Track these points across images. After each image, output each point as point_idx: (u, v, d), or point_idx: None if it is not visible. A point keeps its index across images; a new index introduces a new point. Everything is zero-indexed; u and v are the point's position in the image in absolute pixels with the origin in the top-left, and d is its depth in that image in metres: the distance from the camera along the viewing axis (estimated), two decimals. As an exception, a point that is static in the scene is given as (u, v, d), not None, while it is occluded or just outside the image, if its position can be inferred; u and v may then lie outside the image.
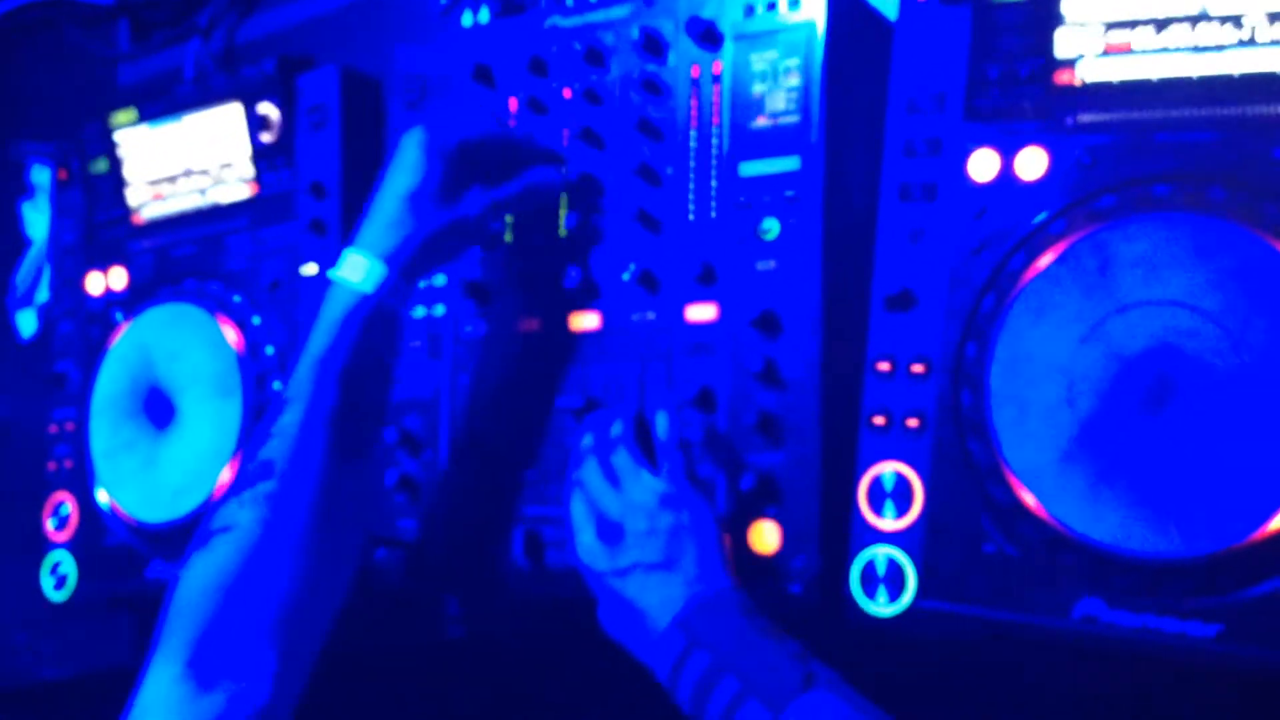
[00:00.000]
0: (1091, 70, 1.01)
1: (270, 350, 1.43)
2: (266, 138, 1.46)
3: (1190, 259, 0.94)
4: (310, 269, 1.41)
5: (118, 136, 1.57)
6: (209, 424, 1.45)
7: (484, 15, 1.34)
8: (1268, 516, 0.89)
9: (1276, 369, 0.90)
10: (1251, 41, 0.95)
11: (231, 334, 1.44)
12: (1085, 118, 1.01)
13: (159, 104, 1.54)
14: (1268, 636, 0.90)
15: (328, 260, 1.39)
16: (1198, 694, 0.98)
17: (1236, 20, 0.96)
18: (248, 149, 1.47)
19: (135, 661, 1.50)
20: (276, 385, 1.42)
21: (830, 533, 1.09)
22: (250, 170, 1.48)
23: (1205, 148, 0.96)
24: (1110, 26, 1.00)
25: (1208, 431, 0.92)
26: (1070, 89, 1.01)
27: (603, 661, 1.36)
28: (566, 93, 1.25)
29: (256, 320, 1.45)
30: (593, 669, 1.40)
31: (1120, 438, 0.95)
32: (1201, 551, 0.91)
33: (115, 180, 1.58)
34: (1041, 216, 1.02)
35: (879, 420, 1.07)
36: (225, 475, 1.42)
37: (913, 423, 1.05)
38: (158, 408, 1.48)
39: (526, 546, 1.23)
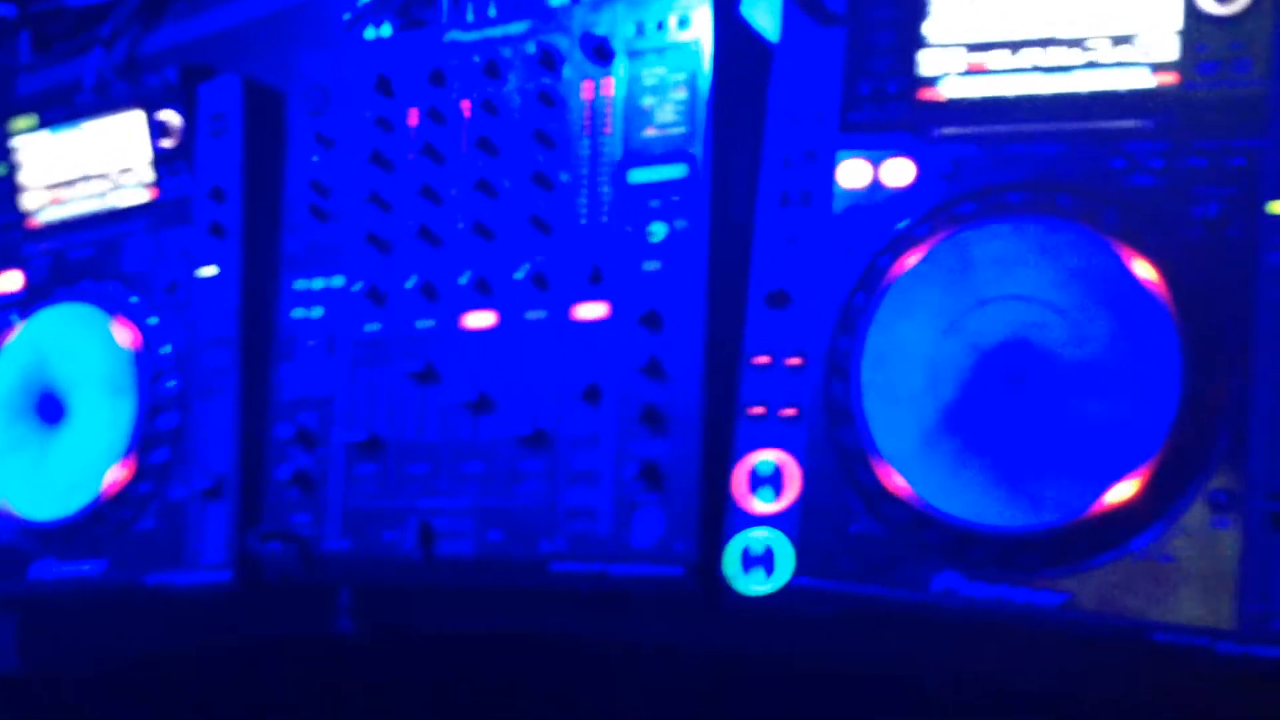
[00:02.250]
0: (953, 88, 1.10)
1: (166, 350, 1.46)
2: (167, 144, 1.49)
3: (1039, 258, 1.02)
4: (208, 271, 1.44)
5: (16, 142, 1.59)
6: (101, 422, 1.46)
7: (386, 29, 1.40)
8: (1103, 491, 0.98)
9: (1113, 359, 0.99)
10: (1094, 64, 1.05)
11: (127, 334, 1.46)
12: (947, 131, 1.10)
13: (60, 110, 1.56)
14: (1108, 603, 0.98)
15: (226, 263, 1.43)
16: (1047, 661, 1.05)
17: (1082, 44, 1.05)
18: (148, 154, 1.50)
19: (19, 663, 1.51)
20: (170, 384, 1.44)
21: (710, 518, 1.15)
22: (150, 175, 1.51)
23: (1054, 158, 1.05)
24: (970, 48, 1.09)
25: (1054, 416, 1.00)
26: (934, 105, 1.10)
27: (494, 652, 1.41)
28: (465, 104, 1.31)
29: (153, 320, 1.47)
30: (484, 659, 1.44)
31: (978, 422, 1.03)
32: (1047, 525, 0.99)
33: (11, 185, 1.60)
34: (906, 221, 1.10)
35: (756, 411, 1.13)
36: (115, 473, 1.43)
37: (788, 412, 1.12)
38: (49, 407, 1.50)
39: (419, 537, 1.27)
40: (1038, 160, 1.06)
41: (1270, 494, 0.94)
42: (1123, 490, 0.98)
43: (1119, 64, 1.04)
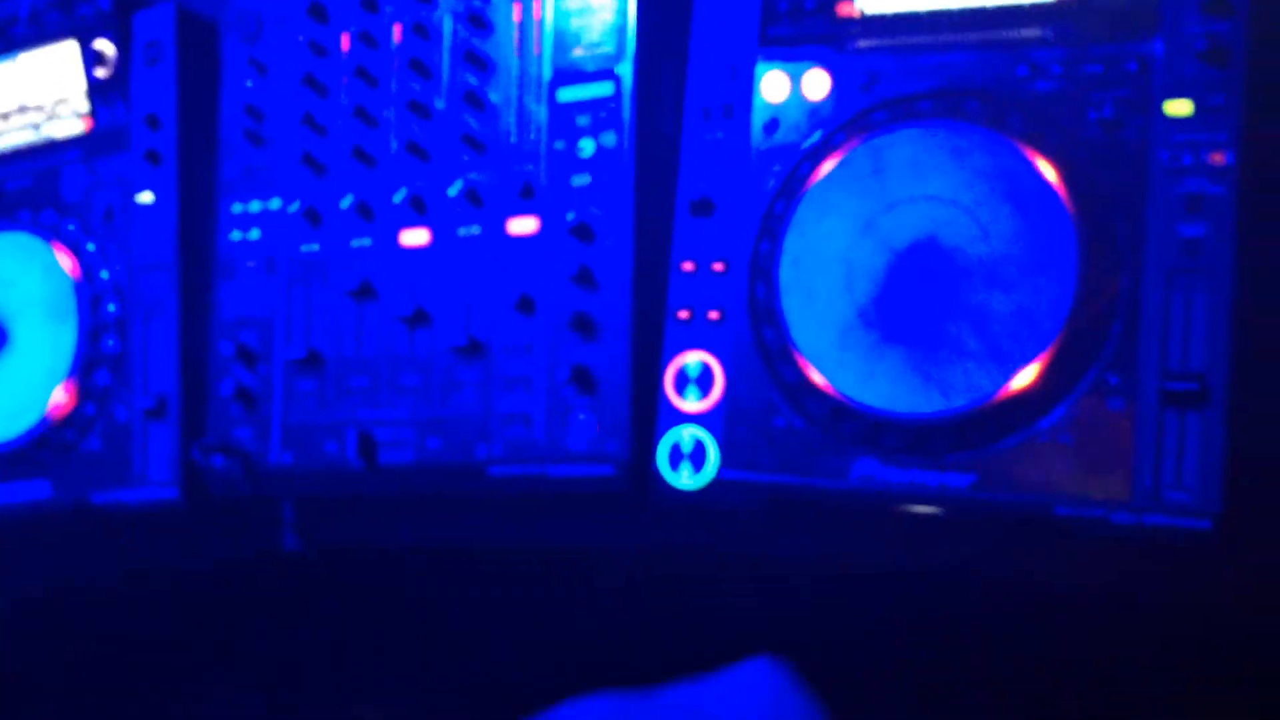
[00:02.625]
0: (868, 2, 1.15)
1: (105, 275, 1.48)
2: (102, 73, 1.51)
3: (947, 161, 1.08)
4: (145, 197, 1.47)
5: (-52, 73, 1.60)
6: (44, 347, 1.49)
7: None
8: (1007, 378, 1.04)
9: (1015, 254, 1.05)
10: (998, -24, 1.11)
11: (67, 260, 1.48)
12: (863, 44, 1.15)
13: (-7, 42, 1.58)
14: (1014, 483, 1.05)
15: (162, 189, 1.46)
16: (960, 543, 1.12)
17: (985, -42, 1.11)
18: (83, 85, 1.52)
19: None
20: (111, 308, 1.47)
21: (641, 418, 1.20)
22: (85, 105, 1.52)
23: (963, 67, 1.11)
24: (882, -37, 1.15)
25: (961, 308, 1.06)
26: (850, 19, 1.15)
27: (437, 563, 1.46)
28: (397, 27, 1.34)
29: (91, 247, 1.50)
30: (426, 571, 1.49)
31: (891, 317, 1.09)
32: (956, 410, 1.06)
33: (-56, 118, 1.61)
34: (822, 132, 1.15)
35: (683, 314, 1.19)
36: (59, 396, 1.46)
37: (713, 315, 1.18)
38: (-9, 332, 1.52)
39: (360, 447, 1.31)
40: (948, 69, 1.12)
41: (1162, 375, 1.01)
42: (1025, 376, 1.04)
43: (1022, -23, 1.10)
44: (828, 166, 1.13)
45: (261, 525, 1.45)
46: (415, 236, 1.32)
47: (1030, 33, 1.09)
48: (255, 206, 1.40)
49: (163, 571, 1.50)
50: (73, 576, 1.55)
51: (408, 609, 1.54)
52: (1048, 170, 1.05)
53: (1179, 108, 1.02)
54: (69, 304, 1.48)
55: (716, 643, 1.12)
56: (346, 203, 1.34)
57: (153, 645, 1.55)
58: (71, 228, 1.51)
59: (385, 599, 1.54)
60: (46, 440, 1.48)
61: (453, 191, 1.29)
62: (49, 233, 1.51)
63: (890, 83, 1.14)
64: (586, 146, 1.24)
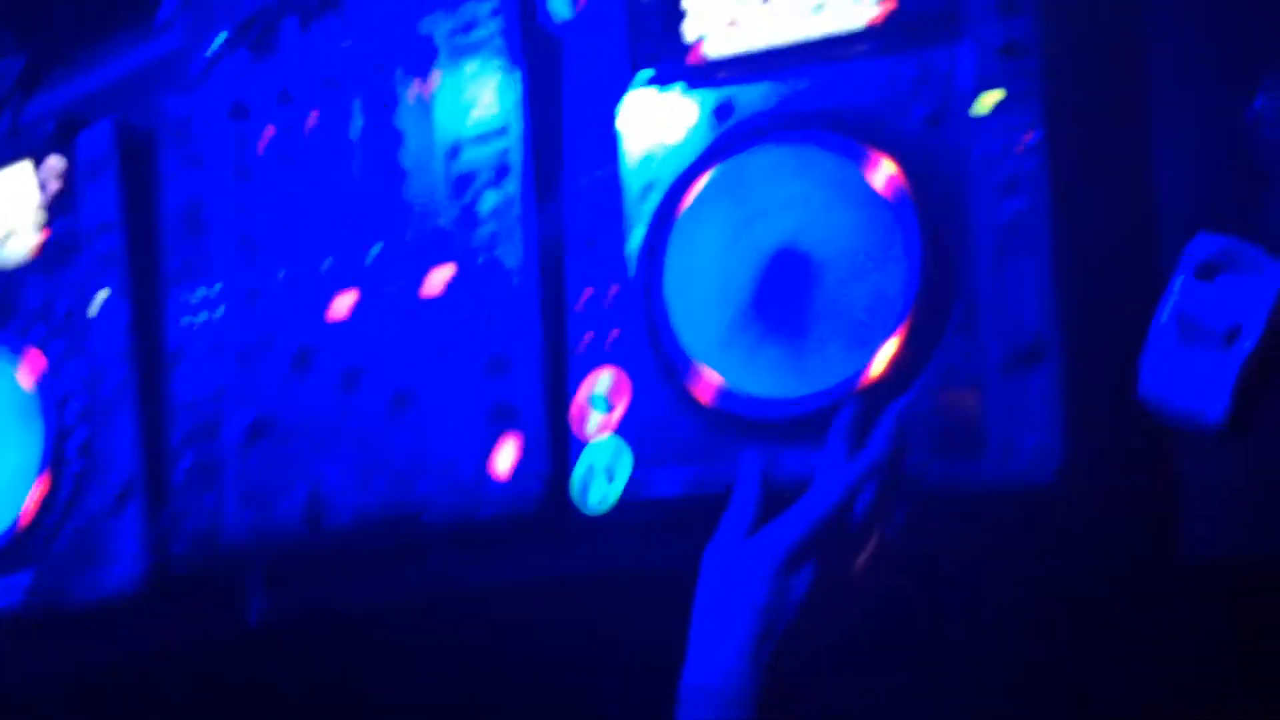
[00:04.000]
0: (715, 46, 1.28)
1: (69, 376, 1.60)
2: (53, 188, 1.64)
3: (794, 174, 1.20)
4: (99, 297, 1.59)
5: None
6: (12, 455, 1.60)
7: (241, 62, 1.56)
8: (865, 364, 1.15)
9: (864, 248, 1.16)
10: (820, 6, 1.23)
11: (32, 366, 1.60)
12: (719, 77, 1.28)
13: (-48, 171, 1.71)
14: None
15: (115, 284, 1.58)
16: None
17: (813, -8, 1.24)
18: (37, 200, 1.65)
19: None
20: (76, 405, 1.58)
21: (559, 443, 1.30)
22: (41, 219, 1.65)
23: (803, 89, 1.23)
24: (722, 10, 1.27)
25: (823, 304, 1.17)
26: (702, 63, 1.28)
27: (391, 618, 1.54)
28: (313, 114, 1.48)
29: (55, 351, 1.61)
30: (382, 628, 1.58)
31: (766, 316, 1.20)
32: (828, 393, 1.16)
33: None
34: (689, 160, 1.27)
35: (587, 337, 1.30)
36: (30, 500, 1.57)
37: (613, 334, 1.28)
38: (-35, 440, 1.63)
39: (308, 504, 1.41)
40: (790, 93, 1.24)
41: (1004, 341, 1.11)
42: (883, 357, 1.14)
43: (844, 2, 1.22)
44: (693, 193, 1.25)
45: (227, 603, 1.54)
46: (343, 301, 1.43)
47: (860, 48, 1.21)
48: (199, 293, 1.52)
49: (134, 655, 1.59)
50: (48, 668, 1.64)
51: (366, 666, 1.62)
52: (885, 170, 1.17)
53: (988, 98, 1.14)
54: (36, 409, 1.59)
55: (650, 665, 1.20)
56: (280, 276, 1.46)
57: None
58: (36, 333, 1.63)
59: (351, 661, 1.62)
60: (20, 540, 1.58)
61: (372, 255, 1.41)
62: (15, 340, 1.62)
63: (746, 108, 1.26)
64: (489, 199, 1.36)
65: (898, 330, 1.14)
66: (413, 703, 1.66)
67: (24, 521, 1.58)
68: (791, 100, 1.23)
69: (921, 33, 1.18)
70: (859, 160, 1.18)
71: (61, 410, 1.59)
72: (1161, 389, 1.12)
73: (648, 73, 1.31)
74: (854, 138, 1.19)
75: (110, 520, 1.55)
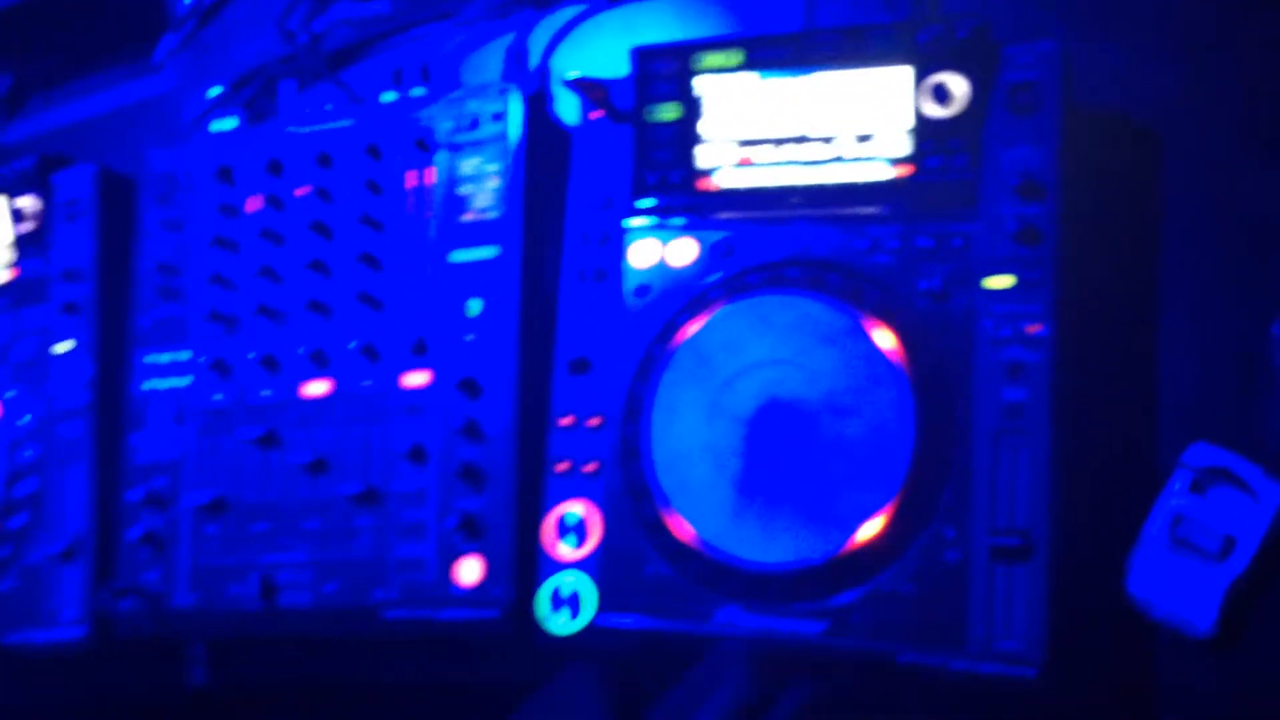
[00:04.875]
0: (726, 178, 1.25)
1: (25, 420, 1.55)
2: (26, 227, 1.59)
3: (757, 327, 1.17)
4: (63, 346, 1.54)
5: (-122, 226, 1.67)
6: (-40, 487, 1.55)
7: (232, 123, 1.52)
8: (850, 534, 1.12)
9: (860, 418, 1.14)
10: (841, 158, 1.20)
11: (-14, 409, 1.55)
12: (724, 215, 1.25)
13: (-80, 198, 1.65)
14: (860, 630, 1.12)
15: (80, 337, 1.53)
16: (825, 677, 1.18)
17: (831, 140, 1.21)
18: (8, 237, 1.60)
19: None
20: (28, 453, 1.54)
21: (524, 564, 1.27)
22: (9, 256, 1.60)
23: (812, 239, 1.21)
24: (739, 144, 1.24)
25: (808, 473, 1.15)
26: (711, 193, 1.25)
27: (339, 699, 1.51)
28: (301, 191, 1.43)
29: (11, 394, 1.56)
30: (328, 707, 1.54)
31: (759, 478, 1.17)
32: (806, 563, 1.14)
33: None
34: (689, 296, 1.24)
35: (562, 466, 1.27)
36: (-22, 539, 1.52)
37: (590, 468, 1.25)
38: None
39: (262, 589, 1.37)
40: (800, 239, 1.21)
41: (990, 530, 1.09)
42: (868, 531, 1.12)
43: (862, 159, 1.20)
44: (694, 328, 1.22)
45: (169, 664, 1.50)
46: (316, 388, 1.39)
47: (870, 209, 1.19)
48: (167, 358, 1.48)
49: (72, 711, 1.55)
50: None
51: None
52: (886, 338, 1.14)
53: (998, 282, 1.12)
54: (-14, 453, 1.54)
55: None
56: (253, 355, 1.42)
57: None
58: (-8, 375, 1.58)
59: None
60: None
61: (351, 346, 1.37)
62: (-29, 379, 1.57)
63: (748, 250, 1.23)
64: (474, 306, 1.33)
65: (886, 505, 1.12)
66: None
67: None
68: (804, 246, 1.21)
69: (937, 201, 1.15)
70: (863, 324, 1.15)
71: (12, 457, 1.54)
72: (1150, 593, 1.11)
73: (654, 195, 1.27)
74: (861, 300, 1.16)
75: (55, 573, 1.50)
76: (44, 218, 1.58)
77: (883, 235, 1.17)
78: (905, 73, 1.18)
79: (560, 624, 1.24)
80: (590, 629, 1.23)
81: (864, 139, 1.20)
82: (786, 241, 1.22)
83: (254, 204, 1.45)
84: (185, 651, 1.53)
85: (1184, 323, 1.12)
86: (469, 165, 1.36)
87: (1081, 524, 1.10)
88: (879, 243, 1.18)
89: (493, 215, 1.34)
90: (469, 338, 1.33)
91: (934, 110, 1.17)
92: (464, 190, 1.36)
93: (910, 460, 1.12)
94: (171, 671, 1.53)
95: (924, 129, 1.17)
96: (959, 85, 1.16)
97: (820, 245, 1.20)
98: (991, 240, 1.13)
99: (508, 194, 1.34)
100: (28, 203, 1.59)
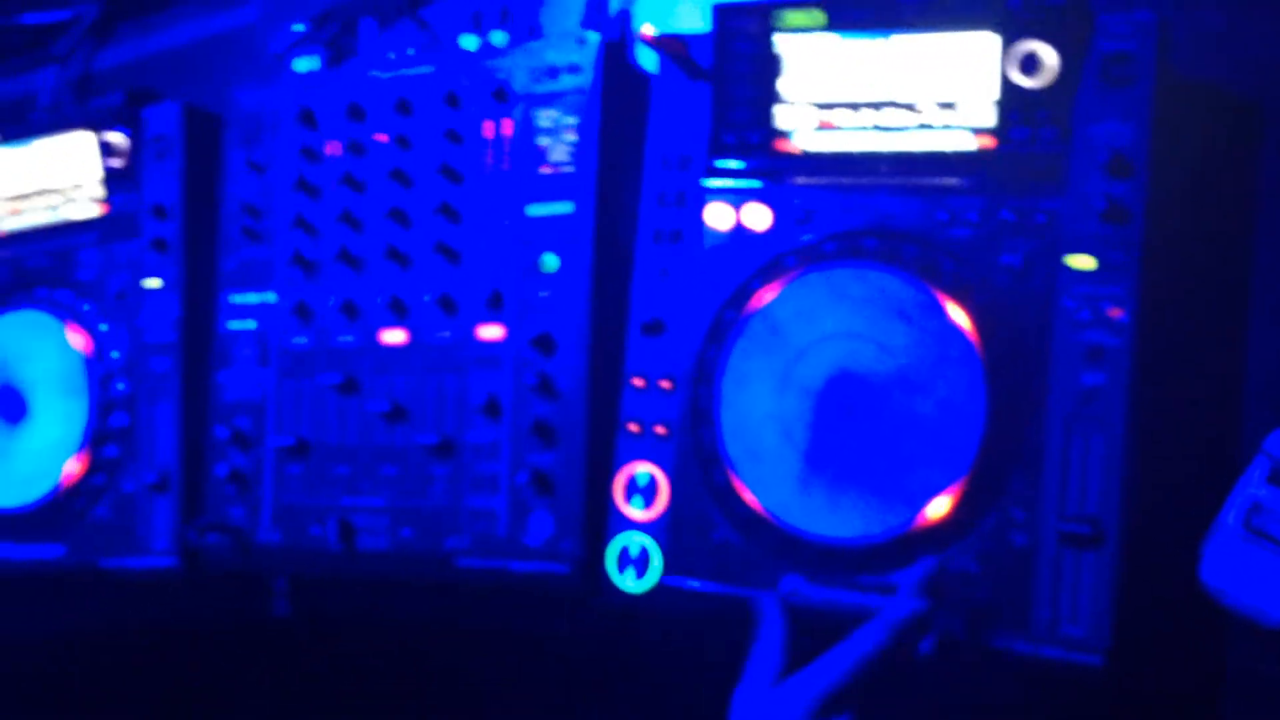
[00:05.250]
0: (805, 141, 1.22)
1: (115, 354, 1.59)
2: (115, 163, 1.61)
3: (831, 298, 1.16)
4: (153, 283, 1.57)
5: (-25, 155, 1.71)
6: (58, 420, 1.60)
7: (314, 62, 1.51)
8: (919, 510, 1.11)
9: (933, 395, 1.12)
10: (925, 125, 1.17)
11: (80, 339, 1.59)
12: (800, 180, 1.22)
13: (16, 128, 1.68)
14: (925, 606, 1.12)
15: (168, 275, 1.56)
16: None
17: (914, 107, 1.17)
18: (98, 172, 1.63)
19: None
20: (120, 386, 1.58)
21: (593, 521, 1.29)
22: (100, 191, 1.63)
23: (890, 209, 1.18)
24: (819, 106, 1.21)
25: (879, 448, 1.14)
26: (789, 156, 1.23)
27: (413, 635, 1.55)
28: (381, 137, 1.43)
29: (104, 327, 1.60)
30: (402, 642, 1.59)
31: (827, 451, 1.16)
32: (874, 538, 1.13)
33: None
34: (762, 262, 1.23)
35: (633, 427, 1.27)
36: (71, 466, 1.57)
37: (661, 430, 1.26)
38: (11, 404, 1.63)
39: (340, 532, 1.40)
40: (878, 209, 1.19)
41: (1060, 516, 1.08)
42: (936, 509, 1.11)
43: (945, 127, 1.16)
44: (768, 295, 1.20)
45: (254, 594, 1.55)
46: (394, 337, 1.41)
47: (951, 180, 1.15)
48: (251, 298, 1.50)
49: (163, 634, 1.61)
50: (78, 631, 1.67)
51: (382, 676, 1.63)
52: (961, 315, 1.12)
53: (1081, 262, 1.09)
54: (81, 380, 1.59)
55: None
56: (333, 301, 1.44)
57: (146, 701, 1.66)
58: (86, 308, 1.62)
59: (364, 666, 1.64)
60: (60, 506, 1.59)
61: (428, 298, 1.38)
62: (64, 312, 1.61)
63: (825, 218, 1.21)
64: (550, 262, 1.33)
65: (956, 483, 1.11)
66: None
67: (63, 488, 1.59)
68: (881, 216, 1.18)
69: (1022, 175, 1.12)
70: (936, 298, 1.13)
71: (105, 388, 1.59)
72: (1223, 581, 1.09)
73: (732, 157, 1.25)
74: (938, 275, 1.14)
75: (146, 502, 1.55)
76: (133, 153, 1.60)
77: (963, 208, 1.14)
78: (992, 39, 1.13)
79: (627, 583, 1.26)
80: (657, 589, 1.24)
81: (947, 107, 1.16)
82: (864, 210, 1.19)
83: (335, 149, 1.46)
84: (269, 584, 1.58)
85: (1276, 306, 1.08)
86: (546, 117, 1.35)
87: (1155, 508, 1.08)
88: (958, 215, 1.15)
89: (569, 170, 1.33)
90: (544, 294, 1.33)
91: (1022, 80, 1.12)
92: (541, 142, 1.35)
93: (981, 440, 1.11)
94: (256, 601, 1.58)
95: (1010, 99, 1.13)
96: (1049, 55, 1.11)
97: (898, 216, 1.18)
98: (1077, 218, 1.09)
99: (583, 149, 1.32)
100: (117, 138, 1.61)
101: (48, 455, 1.60)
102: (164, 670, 1.65)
